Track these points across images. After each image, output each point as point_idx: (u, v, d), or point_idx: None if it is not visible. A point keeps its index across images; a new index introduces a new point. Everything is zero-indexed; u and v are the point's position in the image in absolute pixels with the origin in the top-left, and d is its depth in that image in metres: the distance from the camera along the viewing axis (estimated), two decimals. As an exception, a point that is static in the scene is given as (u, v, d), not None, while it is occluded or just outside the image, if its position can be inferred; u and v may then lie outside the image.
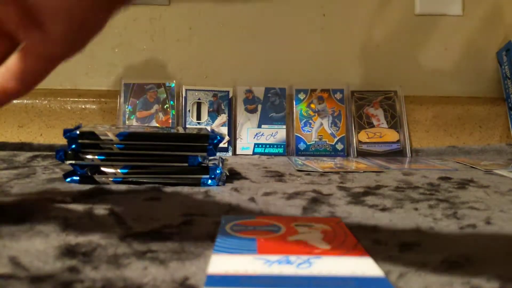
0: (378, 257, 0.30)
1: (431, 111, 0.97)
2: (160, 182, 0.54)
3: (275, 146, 0.91)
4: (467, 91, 1.01)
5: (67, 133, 0.53)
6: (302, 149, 0.91)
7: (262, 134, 0.91)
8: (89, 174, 0.54)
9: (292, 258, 0.29)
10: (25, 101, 0.92)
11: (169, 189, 0.51)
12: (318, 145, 0.91)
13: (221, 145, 0.86)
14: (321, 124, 0.92)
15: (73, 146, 0.53)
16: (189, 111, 0.91)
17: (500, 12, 1.00)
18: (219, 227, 0.36)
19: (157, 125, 0.90)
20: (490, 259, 0.30)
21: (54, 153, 0.81)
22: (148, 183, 0.53)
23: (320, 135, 0.92)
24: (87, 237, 0.33)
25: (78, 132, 0.53)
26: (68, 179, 0.54)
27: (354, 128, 0.93)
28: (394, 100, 0.95)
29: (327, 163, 0.76)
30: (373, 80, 0.98)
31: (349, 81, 0.96)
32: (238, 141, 0.91)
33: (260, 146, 0.91)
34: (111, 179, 0.54)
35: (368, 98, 0.95)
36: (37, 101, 0.92)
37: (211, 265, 0.28)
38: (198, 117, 0.92)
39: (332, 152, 0.91)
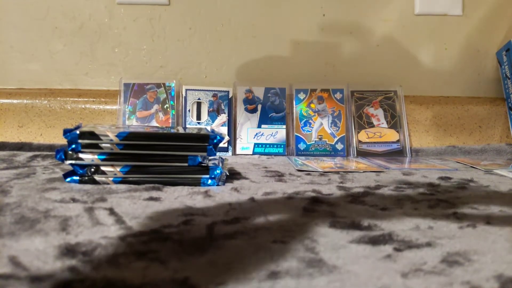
0: (377, 256, 0.30)
1: (431, 111, 0.97)
2: (160, 182, 0.54)
3: (275, 146, 0.91)
4: (467, 91, 1.01)
5: (67, 133, 0.53)
6: (302, 149, 0.91)
7: (262, 134, 0.91)
8: (89, 174, 0.54)
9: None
10: (25, 101, 0.92)
11: (169, 189, 0.51)
12: (318, 145, 0.91)
13: (221, 145, 0.87)
14: (321, 124, 0.92)
15: (73, 146, 0.53)
16: (189, 111, 0.91)
17: (500, 12, 1.00)
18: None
19: (157, 125, 0.90)
20: (490, 259, 0.30)
21: (54, 153, 0.81)
22: (148, 183, 0.53)
23: (320, 135, 0.92)
24: (87, 237, 0.33)
25: (78, 132, 0.53)
26: (68, 179, 0.54)
27: (354, 128, 0.93)
28: (394, 100, 0.95)
29: (327, 163, 0.76)
30: (373, 80, 0.98)
31: (349, 81, 0.96)
32: (238, 141, 0.91)
33: (260, 146, 0.91)
34: (111, 179, 0.54)
35: (368, 98, 0.95)
36: (37, 101, 0.92)
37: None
38: (198, 117, 0.92)
39: (332, 152, 0.91)
